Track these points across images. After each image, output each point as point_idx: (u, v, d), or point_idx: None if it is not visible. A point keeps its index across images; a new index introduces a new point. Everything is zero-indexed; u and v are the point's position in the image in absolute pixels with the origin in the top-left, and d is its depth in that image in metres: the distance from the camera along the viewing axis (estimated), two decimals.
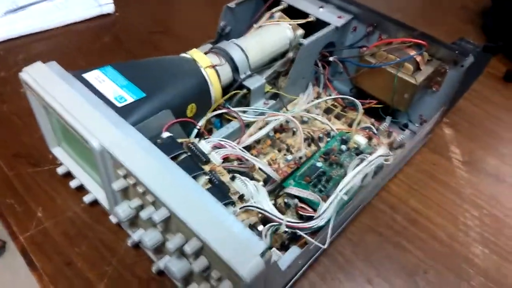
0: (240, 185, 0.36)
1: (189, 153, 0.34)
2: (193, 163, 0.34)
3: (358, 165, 0.40)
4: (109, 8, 0.70)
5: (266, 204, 0.34)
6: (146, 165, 0.31)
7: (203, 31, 0.69)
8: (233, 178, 0.36)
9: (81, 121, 0.34)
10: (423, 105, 0.51)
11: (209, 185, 0.34)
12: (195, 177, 0.33)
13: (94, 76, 0.40)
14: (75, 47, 0.65)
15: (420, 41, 0.46)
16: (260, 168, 0.41)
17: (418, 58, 0.47)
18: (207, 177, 0.33)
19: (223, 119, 0.49)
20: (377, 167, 0.41)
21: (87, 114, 0.34)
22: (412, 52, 0.47)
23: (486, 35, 0.74)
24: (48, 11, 0.68)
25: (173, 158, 0.34)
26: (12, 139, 0.50)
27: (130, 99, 0.38)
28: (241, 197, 0.35)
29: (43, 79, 0.37)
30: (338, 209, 0.36)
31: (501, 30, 0.70)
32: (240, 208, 0.33)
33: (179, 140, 0.38)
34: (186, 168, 0.32)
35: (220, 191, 0.33)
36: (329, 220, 0.35)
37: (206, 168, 0.36)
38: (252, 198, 0.34)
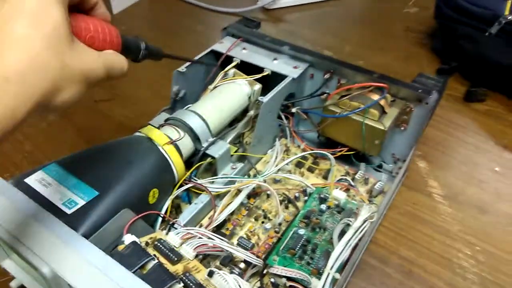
0: (220, 281, 0.32)
1: (156, 261, 0.30)
2: (163, 271, 0.29)
3: (342, 230, 0.37)
4: None
5: None
6: None
7: (152, 91, 0.66)
8: (211, 274, 0.32)
9: (26, 243, 0.29)
10: (393, 144, 0.50)
11: None
12: None
13: (37, 180, 0.35)
14: (20, 131, 0.59)
15: (381, 84, 0.45)
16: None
17: (382, 102, 0.45)
18: (182, 284, 0.29)
19: (190, 191, 0.45)
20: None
21: (32, 233, 0.30)
22: (374, 96, 0.46)
23: (438, 56, 0.75)
24: None
25: (140, 267, 0.30)
26: None
27: (81, 201, 0.34)
28: None
29: None
30: (332, 286, 0.33)
31: (452, 51, 0.70)
32: None
33: (143, 239, 0.34)
34: (155, 280, 0.28)
35: None
36: None
37: (179, 268, 0.32)
38: None
